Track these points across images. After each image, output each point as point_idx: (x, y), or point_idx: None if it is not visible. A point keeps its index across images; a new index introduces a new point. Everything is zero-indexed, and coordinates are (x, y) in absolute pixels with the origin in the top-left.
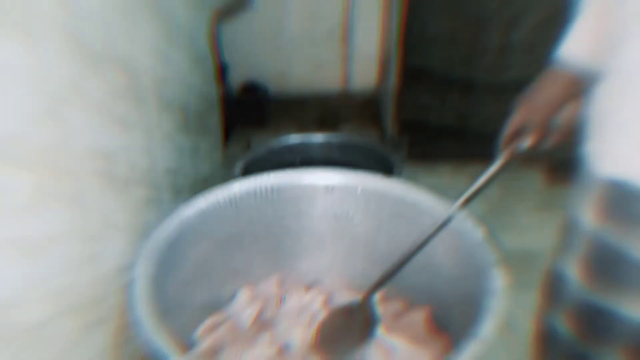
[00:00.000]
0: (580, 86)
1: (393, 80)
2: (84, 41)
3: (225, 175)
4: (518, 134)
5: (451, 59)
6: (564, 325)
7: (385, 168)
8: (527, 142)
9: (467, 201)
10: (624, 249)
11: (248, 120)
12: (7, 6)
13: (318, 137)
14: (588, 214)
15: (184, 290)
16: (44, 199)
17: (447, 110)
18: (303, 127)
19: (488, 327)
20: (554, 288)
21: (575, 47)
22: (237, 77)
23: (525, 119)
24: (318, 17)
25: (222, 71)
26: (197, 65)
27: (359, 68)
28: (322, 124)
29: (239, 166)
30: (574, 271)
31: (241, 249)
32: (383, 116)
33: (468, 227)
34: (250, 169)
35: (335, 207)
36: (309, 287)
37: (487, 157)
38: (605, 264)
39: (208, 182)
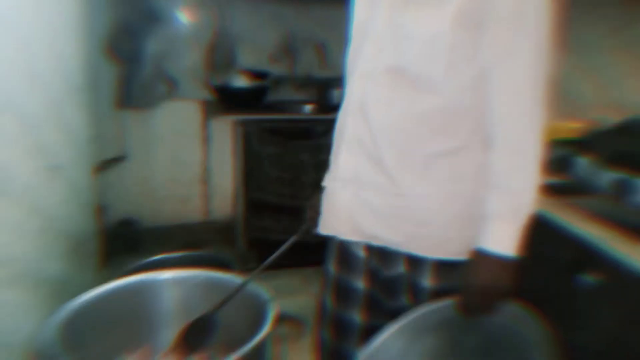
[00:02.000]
0: None
1: (241, 210)
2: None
3: None
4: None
5: (281, 193)
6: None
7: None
8: (306, 226)
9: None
10: (350, 284)
11: (125, 249)
12: None
13: (177, 256)
14: (332, 264)
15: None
16: None
17: (283, 229)
18: (172, 251)
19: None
20: (321, 309)
21: (327, 178)
22: (116, 214)
23: (308, 214)
24: (181, 164)
25: (101, 210)
26: (82, 208)
27: (217, 202)
28: (188, 248)
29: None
30: (329, 298)
31: (118, 326)
32: (237, 238)
33: (259, 290)
34: None
35: (182, 293)
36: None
37: (315, 262)
38: (343, 292)
39: None
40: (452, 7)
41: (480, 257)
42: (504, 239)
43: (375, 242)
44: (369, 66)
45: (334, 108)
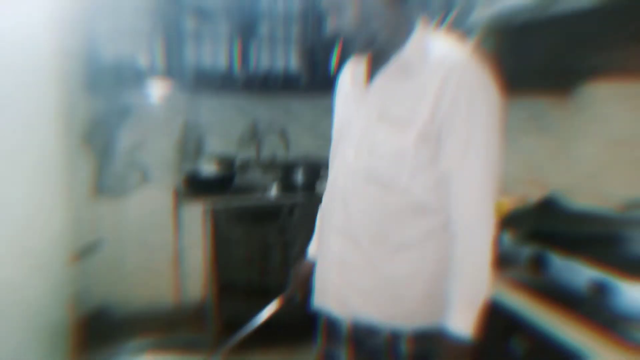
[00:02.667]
0: None
1: (212, 292)
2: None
3: None
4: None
5: (251, 273)
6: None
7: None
8: (290, 292)
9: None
10: (335, 356)
11: (101, 336)
12: None
13: (152, 341)
14: (320, 336)
15: None
16: None
17: (253, 311)
18: (146, 336)
19: None
20: None
21: (312, 250)
22: (91, 300)
23: (293, 282)
24: (154, 249)
25: (77, 298)
26: (59, 299)
27: (189, 285)
28: (162, 332)
29: None
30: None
31: None
32: (209, 320)
33: None
34: None
35: None
36: None
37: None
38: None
39: None
40: (415, 130)
41: (446, 339)
42: (463, 324)
43: (360, 317)
44: (349, 165)
45: (298, 188)
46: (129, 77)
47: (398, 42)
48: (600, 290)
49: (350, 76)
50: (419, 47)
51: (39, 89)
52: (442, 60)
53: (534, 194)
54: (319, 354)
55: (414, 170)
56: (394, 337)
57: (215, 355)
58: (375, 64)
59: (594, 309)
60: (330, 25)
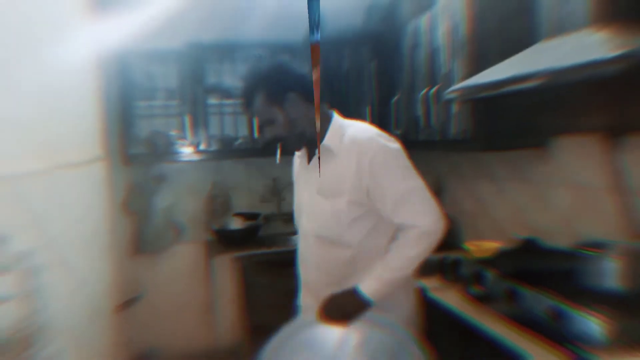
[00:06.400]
0: None
1: (244, 334)
2: None
3: None
4: None
5: (278, 314)
6: None
7: None
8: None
9: None
10: None
11: None
12: None
13: None
14: None
15: None
16: None
17: None
18: None
19: None
20: None
21: None
22: (136, 347)
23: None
24: (189, 298)
25: (123, 345)
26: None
27: (223, 329)
28: None
29: None
30: None
31: None
32: (242, 359)
33: None
34: None
35: None
36: None
37: None
38: None
39: None
40: (345, 198)
41: (352, 291)
42: (367, 288)
43: None
44: (305, 229)
45: None
46: (162, 148)
47: (322, 132)
48: (557, 316)
49: (297, 161)
50: (336, 134)
51: (88, 168)
52: (354, 141)
53: (520, 234)
54: None
55: (349, 225)
56: None
57: None
58: (310, 150)
59: (551, 331)
60: (268, 134)
